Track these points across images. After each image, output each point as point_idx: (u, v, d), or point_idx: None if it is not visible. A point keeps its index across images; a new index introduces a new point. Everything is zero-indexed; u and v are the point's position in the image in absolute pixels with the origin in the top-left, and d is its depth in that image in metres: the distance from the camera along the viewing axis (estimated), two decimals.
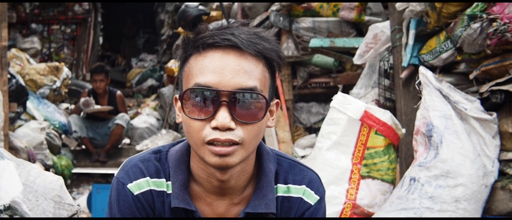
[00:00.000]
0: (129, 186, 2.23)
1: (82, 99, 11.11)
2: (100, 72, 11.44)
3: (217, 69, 2.06)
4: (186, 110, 2.08)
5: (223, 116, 2.04)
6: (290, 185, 2.35)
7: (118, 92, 11.85)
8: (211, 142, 2.06)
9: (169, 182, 2.27)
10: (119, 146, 11.83)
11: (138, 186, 2.24)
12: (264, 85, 2.15)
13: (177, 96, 2.19)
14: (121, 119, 11.32)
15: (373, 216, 4.37)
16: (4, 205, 2.59)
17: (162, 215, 2.27)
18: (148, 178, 2.26)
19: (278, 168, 2.36)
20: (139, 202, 2.23)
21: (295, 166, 2.39)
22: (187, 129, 2.12)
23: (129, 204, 2.22)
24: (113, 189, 2.26)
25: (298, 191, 2.34)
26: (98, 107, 11.17)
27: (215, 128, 2.05)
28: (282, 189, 2.34)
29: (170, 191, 2.26)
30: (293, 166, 2.38)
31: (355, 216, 4.45)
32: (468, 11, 4.36)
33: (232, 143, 2.06)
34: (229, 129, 2.05)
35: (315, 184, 2.37)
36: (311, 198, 2.35)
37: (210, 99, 2.06)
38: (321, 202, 2.38)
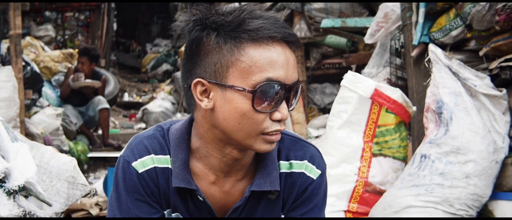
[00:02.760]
0: (134, 164, 2.27)
1: (72, 76, 11.05)
2: (82, 55, 11.32)
3: (284, 63, 2.12)
4: (256, 103, 2.09)
5: (286, 109, 2.14)
6: (292, 161, 2.39)
7: (103, 76, 11.84)
8: (268, 132, 2.15)
9: None
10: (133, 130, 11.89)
11: (143, 164, 2.27)
12: None
13: (203, 80, 2.17)
14: (102, 103, 11.27)
15: (384, 194, 4.40)
16: (19, 186, 2.63)
17: (166, 191, 2.31)
18: (152, 155, 2.29)
19: (280, 146, 2.40)
20: (143, 179, 2.27)
21: (297, 142, 2.43)
22: (242, 120, 2.13)
23: (134, 182, 2.26)
24: (119, 168, 2.30)
25: (300, 166, 2.39)
26: (89, 81, 11.11)
27: (277, 120, 2.14)
28: (284, 166, 2.39)
29: None
30: (294, 142, 2.43)
31: (367, 195, 4.48)
32: None
33: None
34: None
35: (317, 159, 2.42)
36: (313, 172, 2.40)
37: (278, 93, 2.11)
38: (323, 176, 2.43)
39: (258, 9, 2.17)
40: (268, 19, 2.13)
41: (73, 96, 11.21)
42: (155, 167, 2.29)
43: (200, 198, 2.29)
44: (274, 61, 2.09)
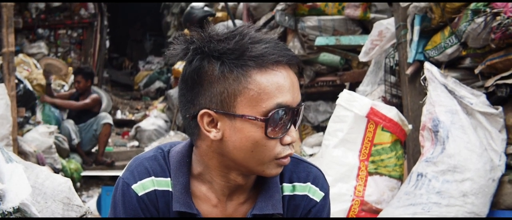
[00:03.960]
0: (134, 187, 2.22)
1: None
2: (77, 74, 11.62)
3: (290, 87, 2.10)
4: (269, 131, 2.07)
5: (295, 132, 2.13)
6: (295, 183, 2.35)
7: (95, 94, 11.86)
8: (281, 157, 2.14)
9: None
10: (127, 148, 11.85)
11: (143, 187, 2.23)
12: None
13: (210, 111, 2.11)
14: (107, 118, 11.42)
15: (381, 213, 4.38)
16: (13, 207, 2.60)
17: (166, 215, 2.26)
18: (153, 177, 2.25)
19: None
20: (143, 202, 2.22)
21: (299, 164, 2.39)
22: (255, 148, 2.10)
23: (134, 205, 2.22)
24: (118, 190, 2.25)
25: (303, 188, 2.35)
26: (50, 57, 11.26)
27: (287, 144, 2.13)
28: (287, 188, 2.35)
29: None
30: (297, 164, 2.38)
31: (363, 214, 4.46)
32: (472, 5, 4.35)
33: None
34: None
35: (320, 180, 2.38)
36: (317, 195, 2.36)
37: (288, 118, 2.10)
38: (326, 198, 2.39)
39: (253, 31, 2.13)
40: (269, 42, 2.11)
41: (73, 113, 11.29)
42: (155, 190, 2.24)
43: None
44: (282, 86, 2.07)
